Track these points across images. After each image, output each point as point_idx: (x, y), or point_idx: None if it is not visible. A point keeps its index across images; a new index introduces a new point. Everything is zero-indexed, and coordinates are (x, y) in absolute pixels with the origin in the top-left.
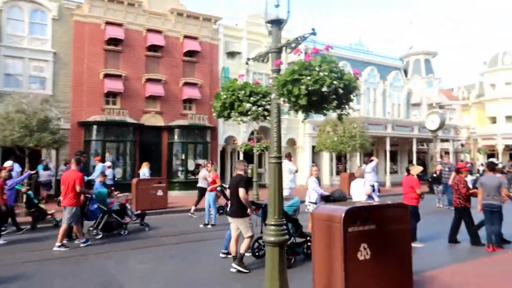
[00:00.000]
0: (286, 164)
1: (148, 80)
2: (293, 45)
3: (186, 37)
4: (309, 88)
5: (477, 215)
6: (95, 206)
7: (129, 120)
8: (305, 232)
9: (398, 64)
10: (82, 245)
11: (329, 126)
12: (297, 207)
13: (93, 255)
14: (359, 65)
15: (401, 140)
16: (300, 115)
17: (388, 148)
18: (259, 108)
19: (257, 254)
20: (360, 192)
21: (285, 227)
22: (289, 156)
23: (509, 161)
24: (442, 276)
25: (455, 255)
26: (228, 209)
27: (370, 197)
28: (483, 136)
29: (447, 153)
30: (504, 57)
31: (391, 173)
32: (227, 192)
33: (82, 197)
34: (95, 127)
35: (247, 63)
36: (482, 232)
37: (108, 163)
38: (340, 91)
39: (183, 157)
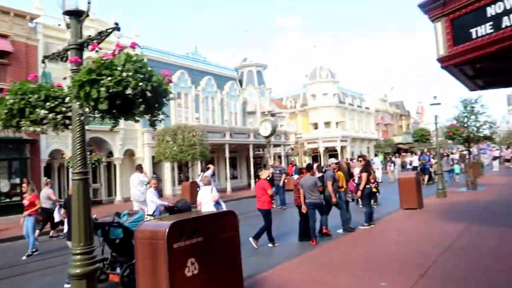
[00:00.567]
0: (137, 176)
1: None
2: (96, 41)
3: None
4: (111, 90)
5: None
6: None
7: None
8: None
9: (233, 74)
10: None
11: (168, 135)
12: (141, 222)
13: None
14: (196, 74)
15: (239, 146)
16: (139, 123)
17: (227, 155)
18: (58, 116)
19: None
20: (208, 200)
21: (94, 254)
22: (140, 168)
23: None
24: (271, 277)
25: (287, 254)
26: (66, 232)
27: (218, 203)
28: (308, 140)
29: (279, 157)
30: (321, 71)
31: (231, 178)
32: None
33: None
34: None
35: (43, 62)
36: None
37: None
38: (149, 94)
39: None
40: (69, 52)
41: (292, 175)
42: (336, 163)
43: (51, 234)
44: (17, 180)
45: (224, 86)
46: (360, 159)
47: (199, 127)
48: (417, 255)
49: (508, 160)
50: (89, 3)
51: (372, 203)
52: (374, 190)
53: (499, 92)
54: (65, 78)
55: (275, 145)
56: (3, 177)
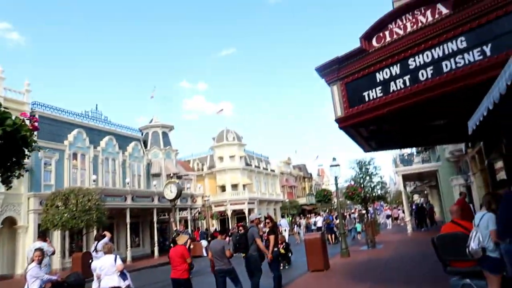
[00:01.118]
0: (38, 245)
1: None
2: None
3: None
4: None
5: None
6: None
7: None
8: None
9: (137, 135)
10: None
11: (59, 199)
12: None
13: None
14: (96, 134)
15: (142, 211)
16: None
17: (128, 220)
18: None
19: None
20: (112, 270)
21: None
22: (43, 237)
23: (236, 224)
24: None
25: None
26: None
27: (123, 274)
28: (215, 203)
29: (185, 221)
30: (228, 134)
31: (133, 247)
32: None
33: None
34: None
35: None
36: None
37: None
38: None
39: None
40: None
41: (199, 240)
42: (255, 219)
43: None
44: None
45: (127, 147)
46: (267, 220)
47: (96, 190)
48: None
49: (396, 218)
50: None
51: (282, 265)
52: (282, 251)
53: (386, 155)
54: None
55: (181, 209)
56: None
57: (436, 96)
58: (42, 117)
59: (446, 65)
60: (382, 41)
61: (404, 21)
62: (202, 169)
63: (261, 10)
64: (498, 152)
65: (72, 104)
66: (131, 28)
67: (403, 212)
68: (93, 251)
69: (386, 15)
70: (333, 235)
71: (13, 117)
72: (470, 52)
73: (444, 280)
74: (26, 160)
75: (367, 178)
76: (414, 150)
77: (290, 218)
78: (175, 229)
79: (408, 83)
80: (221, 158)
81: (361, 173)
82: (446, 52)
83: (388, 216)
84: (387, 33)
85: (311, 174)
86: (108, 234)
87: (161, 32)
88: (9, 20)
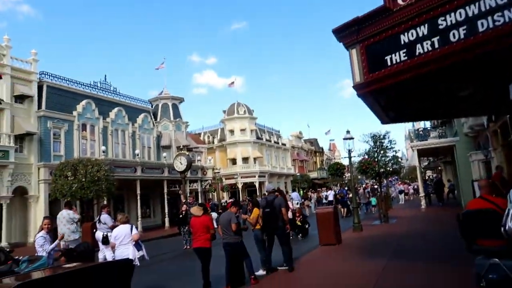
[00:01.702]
0: (66, 214)
1: None
2: None
3: None
4: None
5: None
6: None
7: None
8: None
9: (147, 107)
10: None
11: (68, 170)
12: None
13: None
14: (105, 105)
15: (152, 182)
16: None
17: (138, 191)
18: None
19: None
20: (127, 239)
21: None
22: (69, 205)
23: (246, 196)
24: None
25: None
26: None
27: (138, 244)
28: (226, 176)
29: (195, 193)
30: (239, 107)
31: (143, 217)
32: None
33: None
34: None
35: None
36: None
37: None
38: None
39: None
40: None
41: (209, 212)
42: (251, 198)
43: None
44: None
45: (136, 119)
46: (276, 193)
47: (105, 161)
48: None
49: (406, 194)
50: None
51: (300, 236)
52: (299, 223)
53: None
54: None
55: (192, 181)
56: None
57: (468, 59)
58: (50, 87)
59: (482, 23)
60: None
61: None
62: (213, 142)
63: None
64: None
65: (81, 76)
66: (138, 1)
67: (413, 188)
68: (97, 222)
69: None
70: (345, 209)
71: None
72: None
73: (464, 258)
74: (35, 130)
75: (382, 152)
76: (429, 125)
77: (302, 192)
78: (184, 201)
79: (436, 45)
80: (231, 131)
81: (375, 147)
82: (483, 8)
83: (400, 191)
84: None
85: (322, 149)
86: (106, 210)
87: (171, 5)
88: None
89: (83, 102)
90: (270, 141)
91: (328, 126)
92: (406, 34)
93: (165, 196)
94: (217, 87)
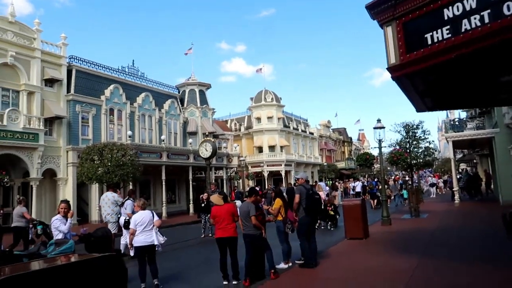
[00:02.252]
0: (110, 196)
1: None
2: None
3: None
4: None
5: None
6: None
7: None
8: None
9: (174, 93)
10: None
11: (94, 153)
12: (70, 253)
13: None
14: (133, 90)
15: (178, 168)
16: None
17: (164, 177)
18: None
19: None
20: (150, 225)
21: None
22: (113, 187)
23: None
24: None
25: None
26: None
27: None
28: (252, 164)
29: (221, 180)
30: (266, 94)
31: (168, 203)
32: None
33: None
34: None
35: None
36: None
37: None
38: None
39: None
40: None
41: (234, 200)
42: (274, 187)
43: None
44: None
45: (163, 104)
46: (298, 182)
47: (131, 146)
48: None
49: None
50: None
51: (329, 226)
52: (331, 213)
53: (430, 121)
54: None
55: (217, 168)
56: None
57: None
58: (79, 71)
59: None
60: None
61: None
62: (240, 130)
63: None
64: None
65: (110, 61)
66: None
67: (443, 182)
68: (121, 207)
69: None
70: (375, 200)
71: None
72: None
73: (509, 260)
74: (64, 114)
75: (414, 143)
76: (465, 115)
77: (330, 182)
78: (212, 189)
79: (487, 19)
80: (258, 119)
81: (407, 137)
82: None
83: (432, 185)
84: None
85: (351, 138)
86: (133, 196)
87: None
88: None
89: (111, 87)
90: (297, 129)
91: (358, 116)
92: (450, 8)
93: (190, 182)
94: (246, 75)
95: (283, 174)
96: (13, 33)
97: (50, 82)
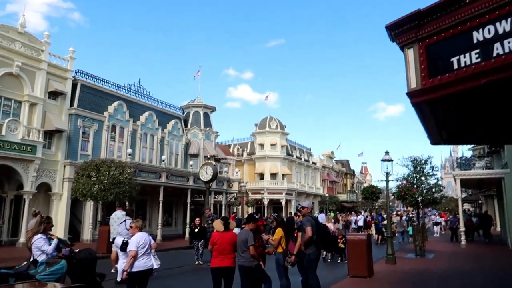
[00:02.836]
0: (120, 214)
1: None
2: None
3: None
4: None
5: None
6: None
7: None
8: None
9: (178, 113)
10: None
11: (90, 169)
12: (62, 275)
13: None
14: (137, 108)
15: (176, 190)
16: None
17: (161, 198)
18: None
19: None
20: (149, 250)
21: None
22: (123, 206)
23: (270, 214)
24: None
25: None
26: None
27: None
28: (252, 190)
29: (220, 205)
30: (271, 121)
31: (164, 225)
32: None
33: None
34: None
35: None
36: None
37: None
38: None
39: None
40: None
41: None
42: (277, 216)
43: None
44: None
45: (166, 124)
46: (299, 214)
47: (130, 164)
48: None
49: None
50: None
51: (340, 259)
52: (341, 246)
53: (434, 159)
54: None
55: (217, 192)
56: None
57: None
58: (84, 86)
59: None
60: None
61: None
62: (242, 155)
63: (312, 2)
64: None
65: (116, 78)
66: (181, 12)
67: (445, 221)
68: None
69: None
70: (380, 236)
71: None
72: None
73: None
74: (64, 127)
75: (422, 178)
76: (470, 153)
77: (333, 214)
78: (207, 214)
79: None
80: (262, 145)
81: (415, 172)
82: None
83: (437, 223)
84: None
85: (353, 171)
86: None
87: (211, 19)
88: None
89: (115, 103)
90: (300, 158)
91: (361, 149)
92: (481, 30)
93: (188, 205)
94: (251, 102)
95: (283, 202)
96: (21, 43)
97: (54, 94)
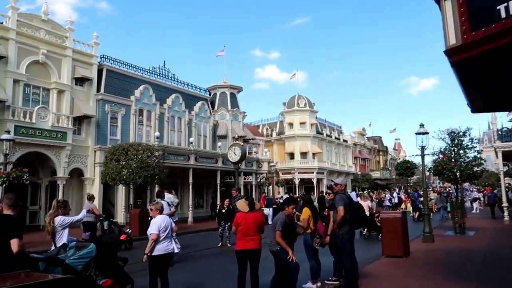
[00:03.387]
0: (166, 197)
1: None
2: None
3: None
4: None
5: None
6: None
7: None
8: None
9: (205, 95)
10: None
11: (119, 154)
12: (91, 259)
13: None
14: (163, 91)
15: (206, 172)
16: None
17: (191, 180)
18: None
19: None
20: (170, 232)
21: None
22: (168, 189)
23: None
24: None
25: None
26: None
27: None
28: (282, 170)
29: (250, 186)
30: (299, 100)
31: (195, 207)
32: None
33: None
34: None
35: None
36: None
37: None
38: None
39: None
40: None
41: (262, 208)
42: (304, 194)
43: None
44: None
45: (193, 107)
46: (329, 191)
47: (157, 147)
48: None
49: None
50: None
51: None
52: (378, 224)
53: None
54: None
55: (246, 173)
56: None
57: None
58: (109, 71)
59: None
60: None
61: None
62: (271, 135)
63: None
64: None
65: (141, 61)
66: None
67: (483, 196)
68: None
69: None
70: (417, 212)
71: None
72: None
73: None
74: (93, 113)
75: (461, 152)
76: (511, 125)
77: (367, 192)
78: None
79: None
80: (291, 124)
81: (453, 146)
82: None
83: (475, 199)
84: None
85: (386, 148)
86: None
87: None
88: None
89: (141, 87)
90: (330, 136)
91: (393, 125)
92: None
93: (218, 186)
94: (279, 82)
95: (314, 182)
96: (45, 31)
97: (81, 81)
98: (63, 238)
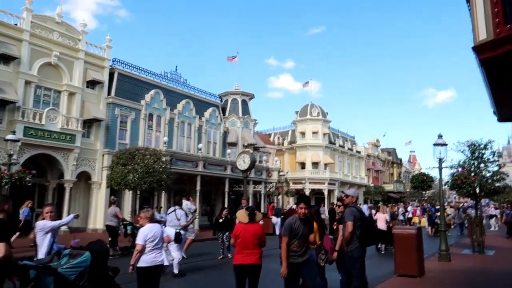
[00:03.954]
0: (184, 204)
1: None
2: None
3: None
4: None
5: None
6: None
7: None
8: None
9: (216, 101)
10: None
11: (125, 158)
12: (85, 268)
13: None
14: (174, 96)
15: (215, 179)
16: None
17: (198, 187)
18: None
19: None
20: (160, 243)
21: None
22: (186, 195)
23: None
24: None
25: None
26: None
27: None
28: (293, 180)
29: (259, 195)
30: (312, 108)
31: (203, 215)
32: None
33: None
34: None
35: None
36: None
37: None
38: None
39: None
40: None
41: (270, 216)
42: (312, 207)
43: (111, 252)
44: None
45: (204, 113)
46: (338, 203)
47: (165, 152)
48: None
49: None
50: None
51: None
52: None
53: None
54: None
55: (256, 182)
56: None
57: None
58: (120, 75)
59: None
60: None
61: None
62: (283, 144)
63: None
64: None
65: (153, 66)
66: (221, 3)
67: (500, 213)
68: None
69: None
70: (433, 228)
71: None
72: None
73: None
74: (103, 116)
75: (481, 165)
76: None
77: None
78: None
79: None
80: (303, 134)
81: (473, 159)
82: None
83: (491, 216)
84: None
85: (401, 160)
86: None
87: (252, 8)
88: None
89: (152, 92)
90: (343, 147)
91: (408, 137)
92: None
93: (226, 194)
94: (293, 92)
95: (325, 193)
96: (59, 33)
97: (92, 84)
98: (44, 243)
